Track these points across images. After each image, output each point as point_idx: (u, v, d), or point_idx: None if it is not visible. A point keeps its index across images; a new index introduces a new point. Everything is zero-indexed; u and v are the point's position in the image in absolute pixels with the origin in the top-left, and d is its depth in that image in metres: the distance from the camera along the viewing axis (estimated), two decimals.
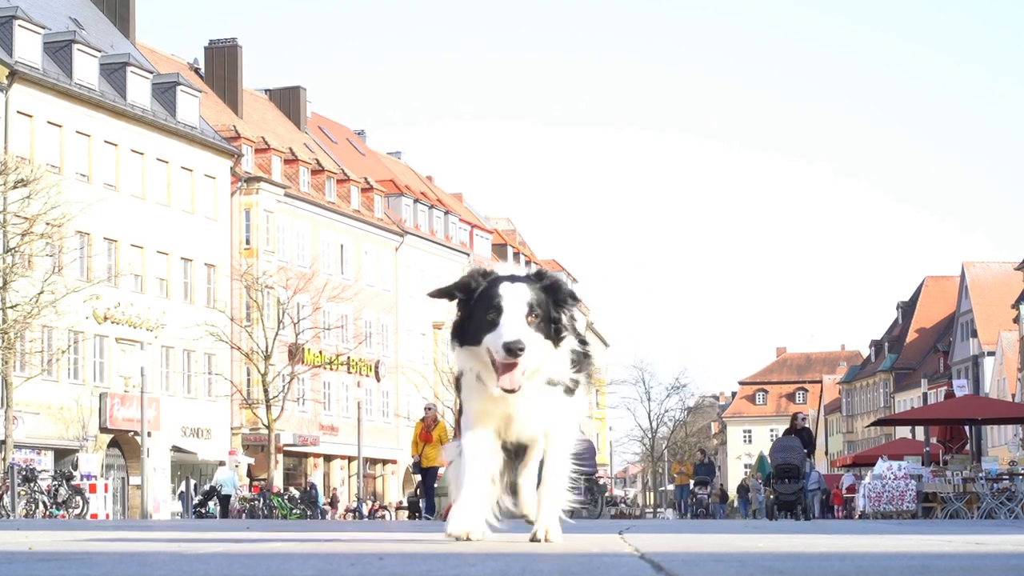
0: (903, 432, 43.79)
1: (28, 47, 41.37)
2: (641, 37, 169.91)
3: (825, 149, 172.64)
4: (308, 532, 8.27)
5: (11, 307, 34.41)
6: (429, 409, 21.32)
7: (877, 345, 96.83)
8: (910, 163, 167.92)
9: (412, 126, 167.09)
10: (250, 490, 42.58)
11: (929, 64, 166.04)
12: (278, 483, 45.30)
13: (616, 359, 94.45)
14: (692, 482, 36.81)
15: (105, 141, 43.99)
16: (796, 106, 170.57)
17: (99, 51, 44.56)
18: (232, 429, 48.81)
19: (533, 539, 5.22)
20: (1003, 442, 61.94)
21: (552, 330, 4.99)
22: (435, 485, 21.15)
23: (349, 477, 54.96)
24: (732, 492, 58.64)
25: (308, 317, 48.26)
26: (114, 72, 45.20)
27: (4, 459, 33.90)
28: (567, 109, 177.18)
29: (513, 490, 5.51)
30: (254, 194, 50.39)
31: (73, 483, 30.94)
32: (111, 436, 42.93)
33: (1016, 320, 66.85)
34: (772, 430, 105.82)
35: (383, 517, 45.45)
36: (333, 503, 48.48)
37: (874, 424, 34.02)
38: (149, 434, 38.51)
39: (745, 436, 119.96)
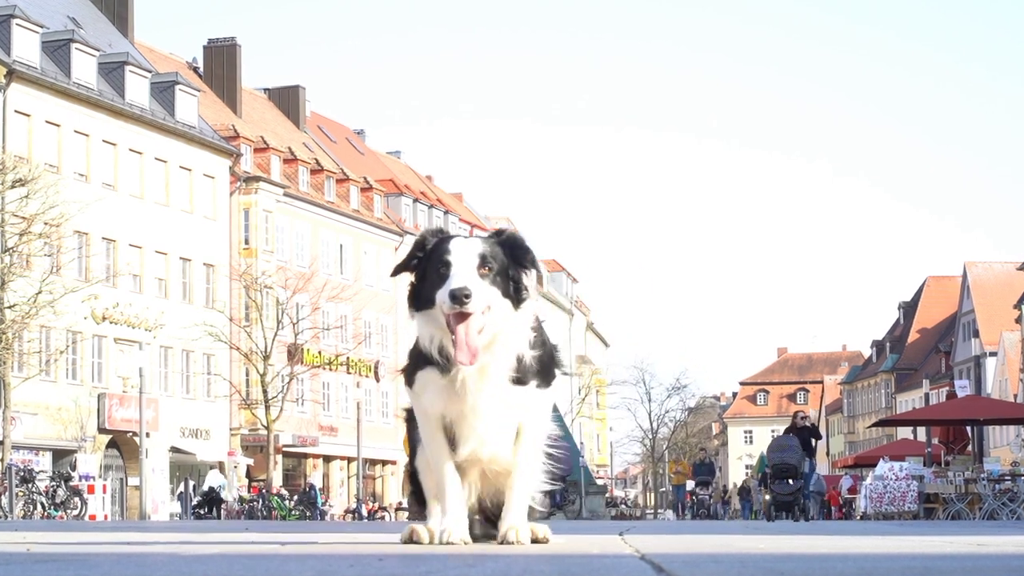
0: (904, 433, 43.66)
1: (26, 46, 41.30)
2: (641, 37, 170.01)
3: (825, 148, 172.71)
4: (307, 533, 8.24)
5: (9, 307, 34.34)
6: None
7: (878, 345, 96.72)
8: (911, 162, 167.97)
9: (411, 125, 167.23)
10: (249, 491, 42.52)
11: (929, 63, 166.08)
12: (277, 484, 45.19)
13: (616, 359, 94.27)
14: (692, 482, 36.68)
15: (103, 140, 43.93)
16: (795, 105, 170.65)
17: (97, 50, 44.51)
18: (231, 430, 48.75)
19: (503, 541, 4.96)
20: (1005, 443, 61.79)
21: (511, 288, 4.72)
22: None
23: (348, 478, 54.88)
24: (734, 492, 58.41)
25: (307, 317, 48.20)
26: (112, 71, 45.13)
27: (2, 460, 33.80)
28: (567, 108, 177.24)
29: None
30: (253, 194, 50.33)
31: (71, 484, 30.97)
32: (109, 437, 42.89)
33: (1018, 320, 66.72)
34: (773, 431, 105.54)
35: (383, 518, 45.30)
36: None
37: (875, 425, 33.93)
38: (148, 435, 38.48)
39: (746, 437, 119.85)
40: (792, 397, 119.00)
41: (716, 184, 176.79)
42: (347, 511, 47.00)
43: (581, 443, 45.80)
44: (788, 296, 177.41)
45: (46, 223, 35.28)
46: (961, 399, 27.92)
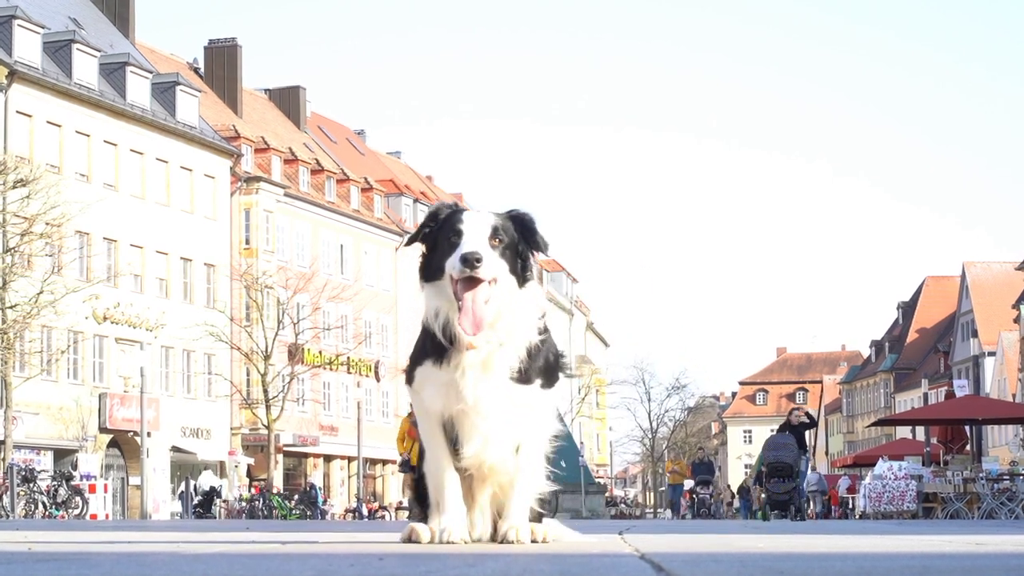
0: (903, 432, 43.73)
1: (27, 47, 41.33)
2: (640, 36, 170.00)
3: (825, 148, 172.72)
4: (308, 533, 8.22)
5: (10, 307, 34.36)
6: None
7: (877, 345, 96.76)
8: (910, 162, 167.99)
9: (412, 126, 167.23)
10: (250, 490, 42.57)
11: (929, 63, 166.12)
12: (278, 483, 45.26)
13: (616, 359, 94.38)
14: (692, 482, 36.68)
15: (104, 141, 43.95)
16: (795, 105, 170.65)
17: (98, 51, 44.53)
18: (232, 429, 48.77)
19: (503, 540, 4.93)
20: (1004, 442, 61.88)
21: (518, 265, 4.72)
22: None
23: (349, 477, 54.93)
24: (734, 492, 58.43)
25: (308, 317, 48.21)
26: (113, 72, 45.16)
27: (3, 459, 33.84)
28: (566, 108, 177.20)
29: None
30: (254, 194, 50.36)
31: (72, 483, 30.90)
32: (110, 436, 42.87)
33: (1017, 320, 66.78)
34: (772, 430, 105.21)
35: (383, 518, 45.37)
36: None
37: (874, 424, 33.98)
38: (149, 434, 38.47)
39: (745, 436, 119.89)
40: (791, 397, 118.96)
41: (716, 184, 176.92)
42: (347, 511, 47.06)
43: (581, 443, 45.85)
44: (787, 296, 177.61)
45: (47, 223, 35.26)
46: (960, 399, 27.94)
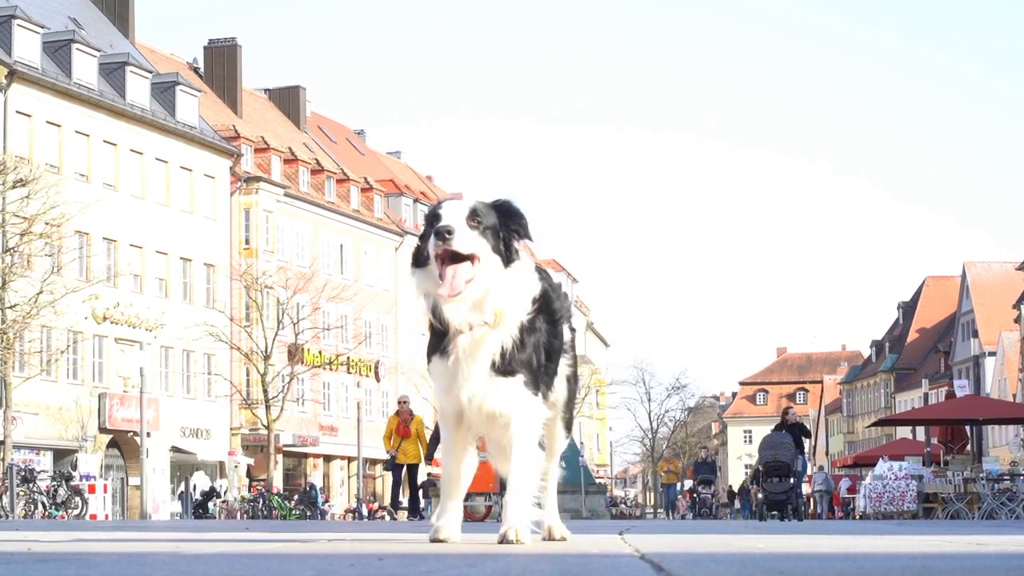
0: (904, 432, 43.67)
1: (27, 46, 41.28)
2: (640, 37, 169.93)
3: (825, 148, 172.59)
4: (307, 533, 8.22)
5: (10, 307, 34.30)
6: (404, 402, 20.74)
7: (878, 345, 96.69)
8: (910, 162, 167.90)
9: (412, 126, 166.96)
10: (249, 490, 42.52)
11: (929, 63, 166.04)
12: (278, 484, 45.21)
13: (616, 359, 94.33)
14: (692, 481, 36.60)
15: (104, 141, 43.90)
16: (795, 105, 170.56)
17: (98, 51, 44.48)
18: (231, 429, 48.72)
19: (502, 540, 4.95)
20: (1004, 442, 61.83)
21: (501, 246, 4.87)
22: (420, 482, 20.73)
23: (349, 478, 54.87)
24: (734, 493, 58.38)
25: (308, 317, 48.14)
26: (113, 72, 45.11)
27: (3, 459, 33.80)
28: (567, 108, 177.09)
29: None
30: (253, 194, 50.31)
31: (72, 484, 30.80)
32: (110, 436, 42.85)
33: (1017, 320, 66.73)
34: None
35: (383, 518, 45.30)
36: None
37: (875, 424, 33.90)
38: (148, 434, 38.43)
39: (746, 436, 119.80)
40: (792, 397, 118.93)
41: (716, 184, 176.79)
42: (347, 511, 47.00)
43: (581, 443, 45.81)
44: (787, 296, 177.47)
45: (47, 223, 35.19)
46: (960, 399, 27.85)
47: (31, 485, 29.34)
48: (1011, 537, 6.75)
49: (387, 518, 37.46)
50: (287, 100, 61.63)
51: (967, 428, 26.81)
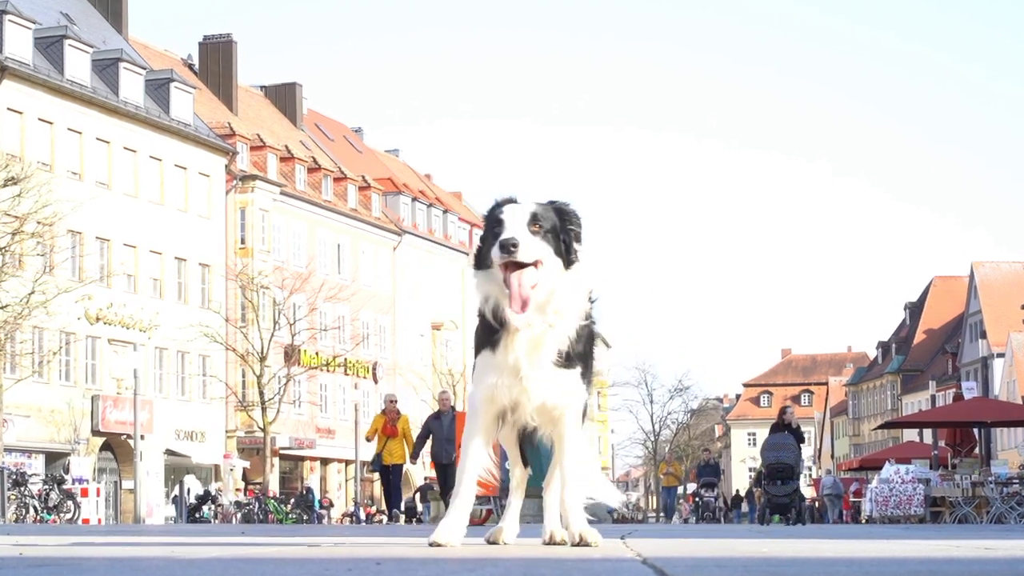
0: (911, 435, 43.17)
1: (18, 42, 40.98)
2: (640, 37, 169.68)
3: (826, 148, 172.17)
4: (304, 537, 8.10)
5: (1, 308, 34.07)
6: (392, 401, 20.29)
7: (884, 346, 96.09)
8: (917, 162, 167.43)
9: (410, 124, 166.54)
10: (245, 494, 42.07)
11: (932, 62, 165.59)
12: (274, 487, 44.75)
13: (618, 361, 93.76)
14: (695, 485, 36.02)
15: (97, 138, 43.63)
16: (796, 105, 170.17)
17: (91, 47, 44.18)
18: (227, 432, 48.44)
19: (550, 542, 5.17)
20: (1013, 445, 61.21)
21: (562, 248, 5.05)
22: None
23: (346, 481, 54.41)
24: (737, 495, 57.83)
25: (304, 318, 47.91)
26: (106, 68, 44.79)
27: None
28: (566, 108, 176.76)
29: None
30: (249, 192, 50.01)
31: (64, 487, 30.67)
32: (103, 439, 42.73)
33: None
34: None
35: (380, 521, 44.77)
36: (327, 507, 47.87)
37: (881, 427, 33.48)
38: (142, 437, 38.09)
39: (749, 439, 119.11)
40: (796, 399, 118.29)
41: (716, 184, 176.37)
42: (345, 514, 46.54)
43: None
44: (792, 296, 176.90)
45: (39, 222, 34.96)
46: (968, 401, 27.70)
47: (22, 489, 29.23)
48: (1020, 542, 6.70)
49: (384, 521, 36.85)
50: (283, 97, 61.31)
51: (975, 431, 26.71)
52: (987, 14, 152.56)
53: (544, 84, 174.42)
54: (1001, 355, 70.69)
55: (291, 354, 46.12)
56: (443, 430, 18.43)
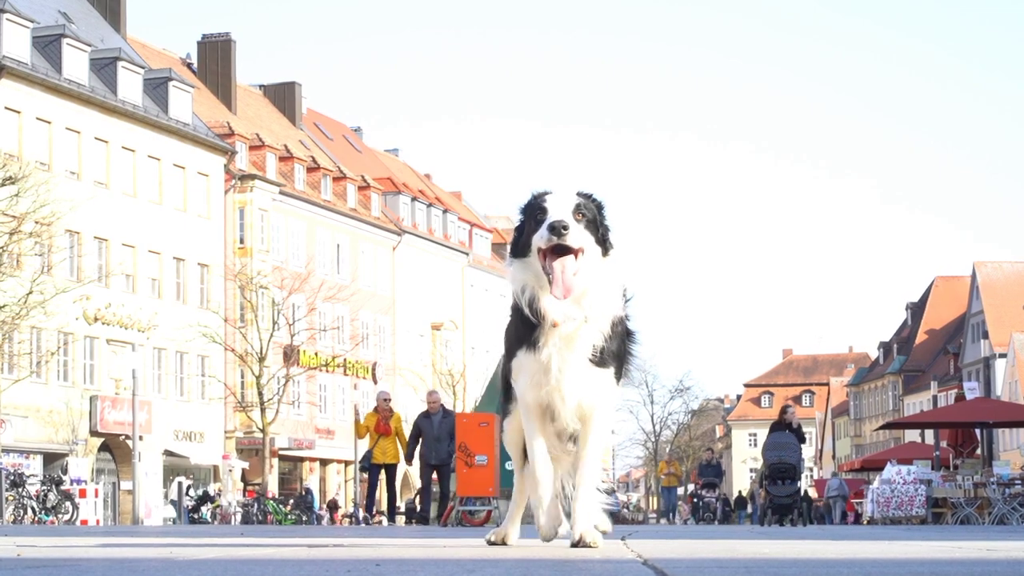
0: (912, 436, 43.05)
1: (16, 41, 40.91)
2: (641, 37, 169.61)
3: (827, 148, 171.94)
4: (303, 538, 8.15)
5: None
6: (385, 399, 20.08)
7: (886, 347, 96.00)
8: (918, 161, 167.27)
9: (410, 123, 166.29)
10: (244, 495, 41.99)
11: (935, 62, 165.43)
12: (273, 488, 44.66)
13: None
14: (694, 485, 35.84)
15: (95, 138, 43.57)
16: (797, 105, 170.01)
17: (89, 45, 44.10)
18: (226, 432, 48.39)
19: (577, 544, 5.12)
20: (1015, 446, 61.12)
21: (600, 237, 5.04)
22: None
23: (345, 482, 54.29)
24: (737, 496, 57.66)
25: (303, 318, 47.91)
26: (104, 67, 44.70)
27: None
28: (566, 108, 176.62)
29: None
30: (248, 192, 49.93)
31: (62, 488, 30.62)
32: (101, 440, 42.71)
33: None
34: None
35: (380, 522, 44.64)
36: (333, 507, 47.74)
37: (883, 427, 33.39)
38: (141, 438, 37.91)
39: (750, 439, 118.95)
40: (797, 399, 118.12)
41: (717, 184, 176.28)
42: (344, 515, 46.38)
43: None
44: (793, 296, 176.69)
45: (37, 222, 34.95)
46: (970, 401, 27.59)
47: (20, 490, 29.23)
48: (1022, 543, 6.73)
49: (385, 522, 36.73)
50: (282, 96, 61.24)
51: (977, 431, 26.55)
52: (989, 14, 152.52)
53: (544, 84, 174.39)
54: (1003, 355, 70.63)
55: (290, 354, 46.08)
56: (433, 430, 18.26)
